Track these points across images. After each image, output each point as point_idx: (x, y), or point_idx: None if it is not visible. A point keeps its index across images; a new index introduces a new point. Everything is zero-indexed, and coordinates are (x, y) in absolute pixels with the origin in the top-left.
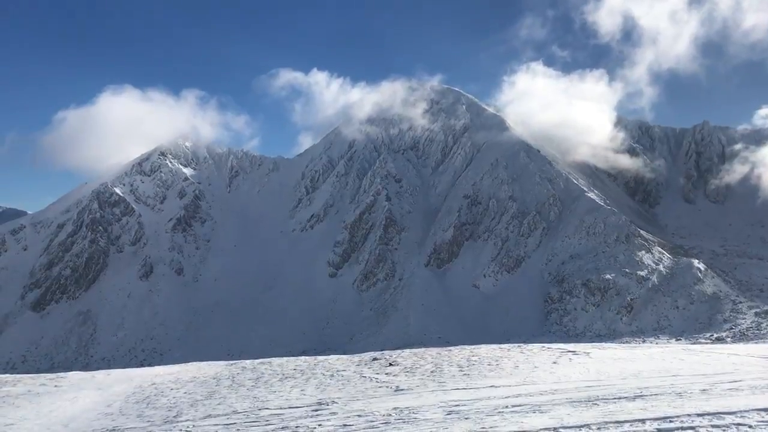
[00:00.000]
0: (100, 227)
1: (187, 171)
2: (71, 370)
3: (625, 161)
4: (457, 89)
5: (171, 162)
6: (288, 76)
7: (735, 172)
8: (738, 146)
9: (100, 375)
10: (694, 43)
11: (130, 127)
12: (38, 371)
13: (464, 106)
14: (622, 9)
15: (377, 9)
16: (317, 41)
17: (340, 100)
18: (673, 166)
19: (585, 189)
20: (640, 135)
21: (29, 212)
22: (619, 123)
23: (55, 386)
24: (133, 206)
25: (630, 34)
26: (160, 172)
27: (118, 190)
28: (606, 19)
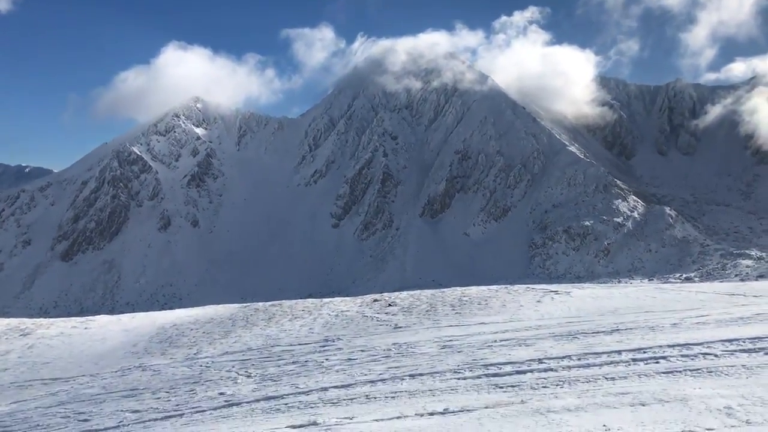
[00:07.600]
0: (120, 183)
1: (199, 131)
2: (99, 314)
3: (603, 114)
4: (449, 50)
5: (184, 123)
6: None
7: (711, 114)
8: (721, 94)
9: (126, 318)
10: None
11: (192, 85)
12: (69, 315)
13: (455, 66)
14: None
15: None
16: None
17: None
18: (648, 121)
19: (566, 143)
20: (617, 92)
21: (55, 170)
22: (598, 80)
23: (85, 328)
24: (150, 164)
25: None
26: (174, 132)
27: (136, 149)
28: None
